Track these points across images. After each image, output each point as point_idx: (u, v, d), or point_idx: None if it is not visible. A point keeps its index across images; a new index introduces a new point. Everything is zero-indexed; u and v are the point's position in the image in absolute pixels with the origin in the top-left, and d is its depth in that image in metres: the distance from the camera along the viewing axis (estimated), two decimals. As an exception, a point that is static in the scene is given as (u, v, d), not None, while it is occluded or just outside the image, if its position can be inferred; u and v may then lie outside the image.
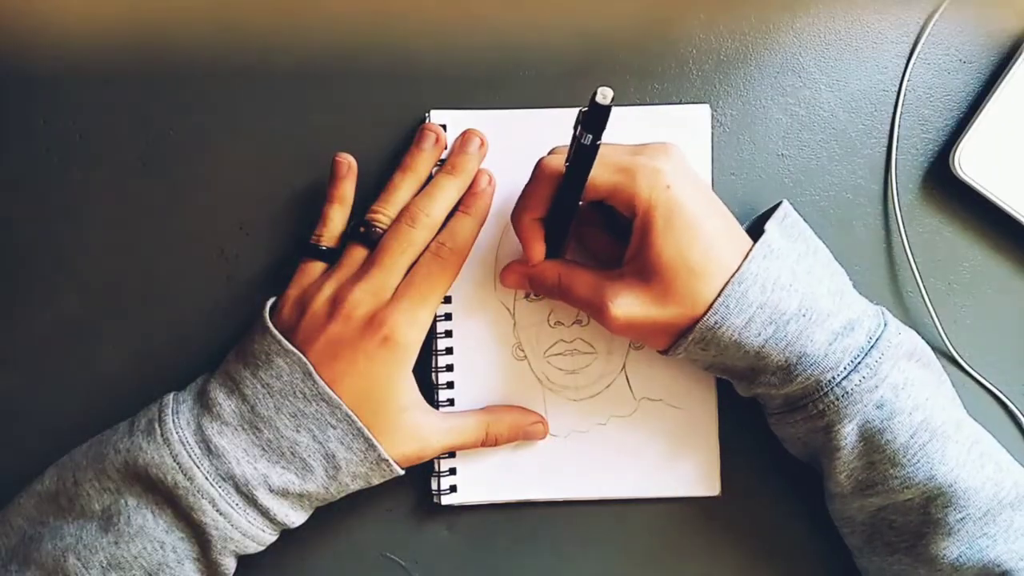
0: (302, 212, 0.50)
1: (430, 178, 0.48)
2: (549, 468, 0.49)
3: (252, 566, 0.48)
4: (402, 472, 0.46)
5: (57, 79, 0.50)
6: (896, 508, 0.44)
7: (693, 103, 0.50)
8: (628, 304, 0.42)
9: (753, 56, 0.51)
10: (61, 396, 0.50)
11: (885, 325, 0.43)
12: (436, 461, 0.49)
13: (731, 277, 0.41)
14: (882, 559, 0.45)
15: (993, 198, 0.49)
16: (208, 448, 0.43)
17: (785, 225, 0.44)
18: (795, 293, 0.42)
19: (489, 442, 0.48)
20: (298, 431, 0.44)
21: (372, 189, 0.49)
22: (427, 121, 0.49)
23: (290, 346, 0.45)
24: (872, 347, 0.42)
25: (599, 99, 0.37)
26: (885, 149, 0.51)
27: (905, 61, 0.51)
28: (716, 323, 0.41)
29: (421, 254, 0.47)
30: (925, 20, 0.51)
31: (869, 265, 0.50)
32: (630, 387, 0.49)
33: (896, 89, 0.51)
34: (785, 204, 0.46)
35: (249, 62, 0.50)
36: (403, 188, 0.48)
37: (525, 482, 0.49)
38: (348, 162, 0.48)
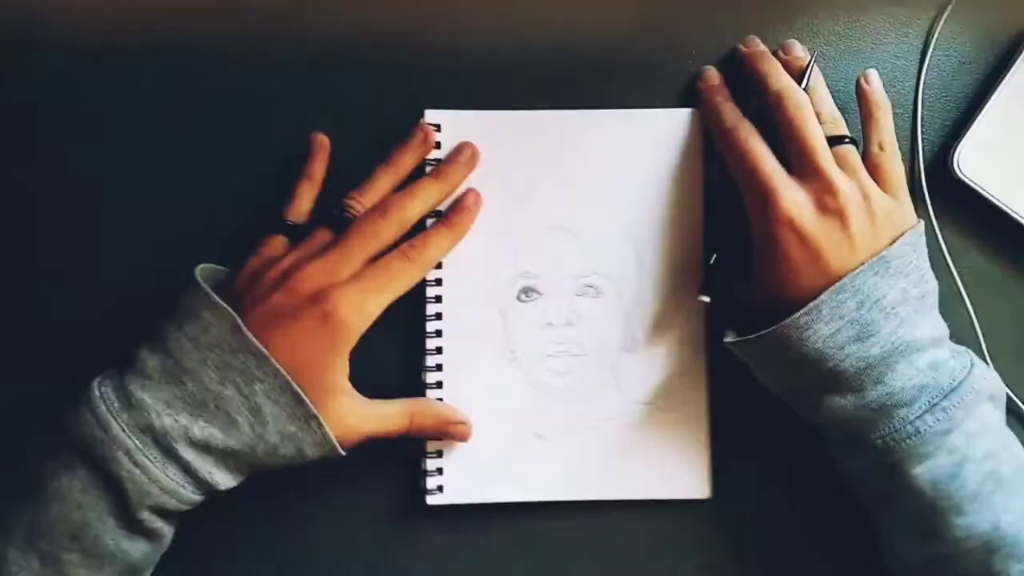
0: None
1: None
2: (539, 470, 0.49)
3: (252, 565, 0.48)
4: (334, 441, 0.44)
5: (57, 77, 0.50)
6: (956, 559, 0.42)
7: (682, 107, 0.50)
8: (799, 204, 0.43)
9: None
10: (62, 396, 0.50)
11: (971, 367, 0.42)
12: (423, 460, 0.49)
13: (834, 284, 0.42)
14: None
15: (993, 199, 0.49)
16: (129, 402, 0.42)
17: (915, 245, 0.44)
18: (893, 317, 0.41)
19: (414, 431, 0.47)
20: (223, 384, 0.43)
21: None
22: (422, 121, 0.49)
23: (218, 300, 0.43)
24: (952, 391, 0.41)
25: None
26: (921, 149, 0.51)
27: (918, 64, 0.51)
28: (805, 324, 0.41)
29: (388, 251, 0.46)
30: (931, 22, 0.51)
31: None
32: (620, 390, 0.49)
33: (913, 89, 0.51)
34: (920, 224, 0.45)
35: (252, 61, 0.50)
36: (382, 181, 0.48)
37: (514, 483, 0.49)
38: (320, 140, 0.49)
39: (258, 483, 0.47)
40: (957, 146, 0.49)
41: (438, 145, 0.49)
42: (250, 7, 0.50)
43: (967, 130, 0.49)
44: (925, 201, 0.50)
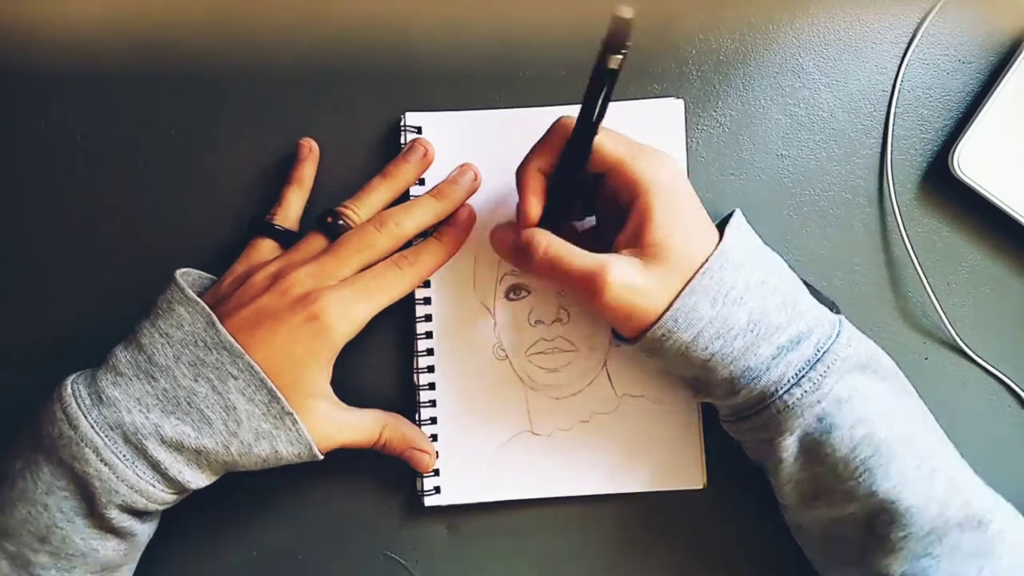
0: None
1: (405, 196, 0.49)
2: (534, 467, 0.49)
3: (251, 566, 0.48)
4: (309, 438, 0.43)
5: (57, 79, 0.50)
6: (843, 520, 0.43)
7: (667, 97, 0.50)
8: (628, 271, 0.41)
9: (753, 56, 0.51)
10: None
11: (836, 336, 0.42)
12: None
13: (683, 288, 0.41)
14: (838, 571, 0.45)
15: (992, 198, 0.49)
16: (100, 398, 0.42)
17: (742, 232, 0.44)
18: (744, 306, 0.41)
19: (379, 444, 0.47)
20: (196, 380, 0.42)
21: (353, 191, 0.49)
22: (403, 123, 0.49)
23: (193, 295, 0.43)
24: (818, 360, 0.41)
25: (622, 13, 0.36)
26: (890, 150, 0.51)
27: (899, 61, 0.51)
28: (664, 335, 0.41)
29: (378, 262, 0.46)
30: (921, 19, 0.51)
31: (870, 264, 0.50)
32: (612, 384, 0.49)
33: (897, 89, 0.51)
34: (739, 213, 0.45)
35: (252, 62, 0.50)
36: (379, 192, 0.48)
37: (510, 481, 0.49)
38: (309, 145, 0.49)
39: (258, 485, 0.47)
40: (957, 146, 0.49)
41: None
42: (233, 19, 0.50)
43: (967, 130, 0.49)
44: (923, 201, 0.50)
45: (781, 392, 0.41)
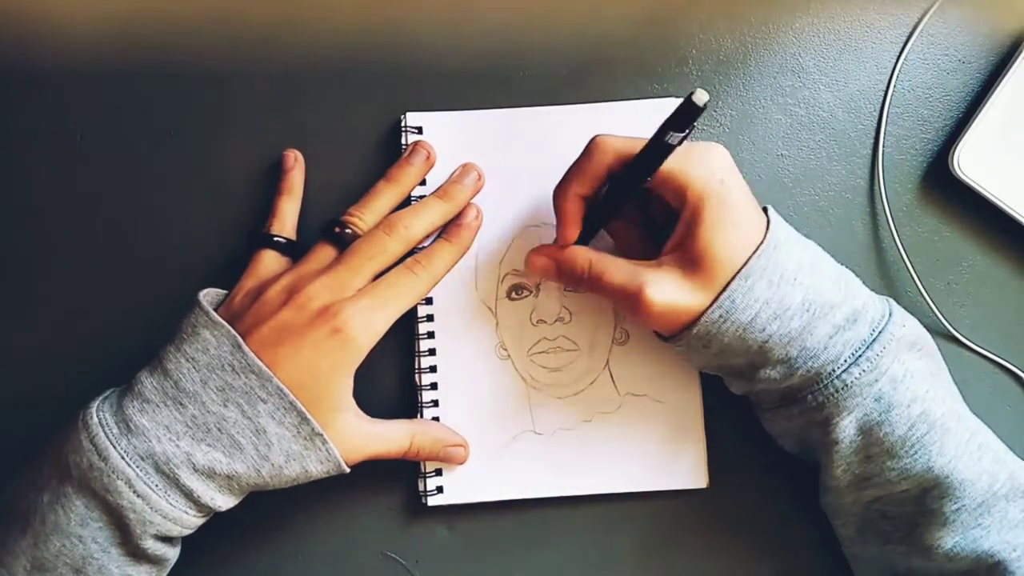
0: (301, 214, 0.50)
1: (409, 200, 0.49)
2: (537, 466, 0.49)
3: (250, 565, 0.48)
4: (339, 456, 0.43)
5: (57, 79, 0.50)
6: (892, 499, 0.44)
7: (667, 97, 0.50)
8: (668, 289, 0.42)
9: (753, 56, 0.51)
10: (61, 396, 0.50)
11: (890, 316, 0.43)
12: (421, 462, 0.49)
13: (737, 272, 0.41)
14: (876, 548, 0.45)
15: (992, 198, 0.49)
16: (128, 427, 0.41)
17: (782, 220, 0.44)
18: (799, 287, 0.42)
19: (411, 454, 0.47)
20: (225, 405, 0.42)
21: (358, 194, 0.49)
22: (404, 123, 0.50)
23: (218, 318, 0.43)
24: (874, 340, 0.42)
25: (696, 99, 0.37)
26: (882, 149, 0.51)
27: (894, 60, 0.51)
28: (721, 317, 0.41)
29: (392, 267, 0.46)
30: (918, 19, 0.51)
31: (870, 264, 0.50)
32: (614, 383, 0.49)
33: (891, 88, 0.51)
34: (771, 208, 0.45)
35: (251, 62, 0.50)
36: (384, 197, 0.48)
37: (513, 481, 0.49)
38: (294, 155, 0.49)
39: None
40: (957, 146, 0.49)
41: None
42: (232, 19, 0.50)
43: (967, 130, 0.49)
44: (923, 201, 0.50)
45: (839, 371, 0.41)
